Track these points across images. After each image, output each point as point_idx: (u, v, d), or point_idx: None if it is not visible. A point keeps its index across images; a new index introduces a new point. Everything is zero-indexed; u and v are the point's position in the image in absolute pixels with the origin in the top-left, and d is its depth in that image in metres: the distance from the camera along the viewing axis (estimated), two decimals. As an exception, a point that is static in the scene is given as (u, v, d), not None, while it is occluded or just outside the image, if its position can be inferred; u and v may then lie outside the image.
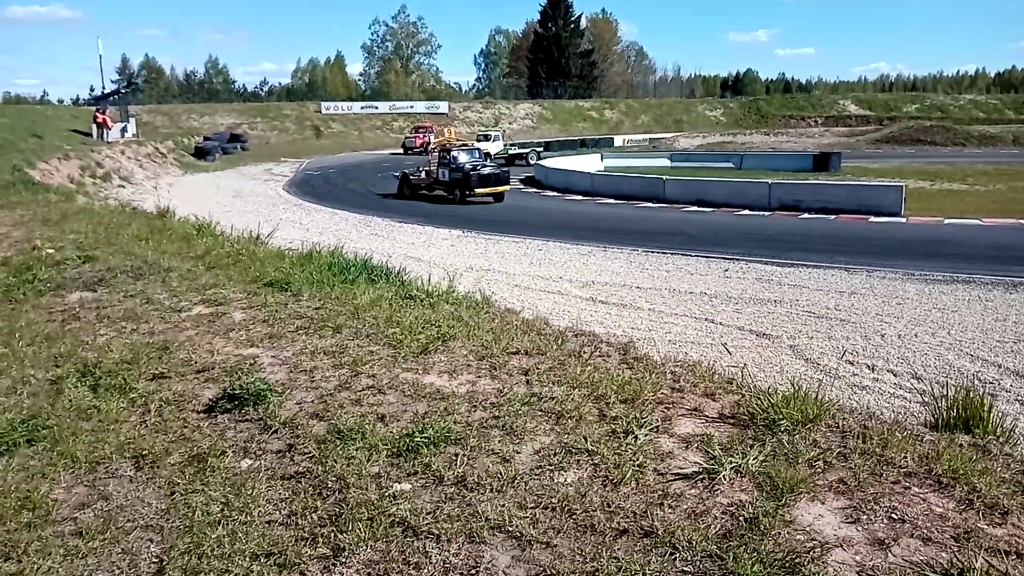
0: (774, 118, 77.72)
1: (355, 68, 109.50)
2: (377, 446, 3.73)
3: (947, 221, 18.83)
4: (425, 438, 3.74)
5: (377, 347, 5.22)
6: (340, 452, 3.70)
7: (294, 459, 3.75)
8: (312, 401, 4.39)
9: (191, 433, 4.09)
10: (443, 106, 73.37)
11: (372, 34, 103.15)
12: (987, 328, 9.02)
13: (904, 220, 19.44)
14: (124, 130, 40.48)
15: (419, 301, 6.54)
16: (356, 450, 3.70)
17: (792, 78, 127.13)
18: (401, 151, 49.95)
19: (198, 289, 7.01)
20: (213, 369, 4.97)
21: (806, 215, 21.00)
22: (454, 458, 3.60)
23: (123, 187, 29.22)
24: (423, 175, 26.76)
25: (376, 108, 70.04)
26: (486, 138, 43.95)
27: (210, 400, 4.50)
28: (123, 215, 13.40)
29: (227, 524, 3.19)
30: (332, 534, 3.07)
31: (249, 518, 3.23)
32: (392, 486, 3.39)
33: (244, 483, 3.51)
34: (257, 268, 7.85)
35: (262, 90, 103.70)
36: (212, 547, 3.03)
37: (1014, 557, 2.76)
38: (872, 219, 19.52)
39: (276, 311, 6.16)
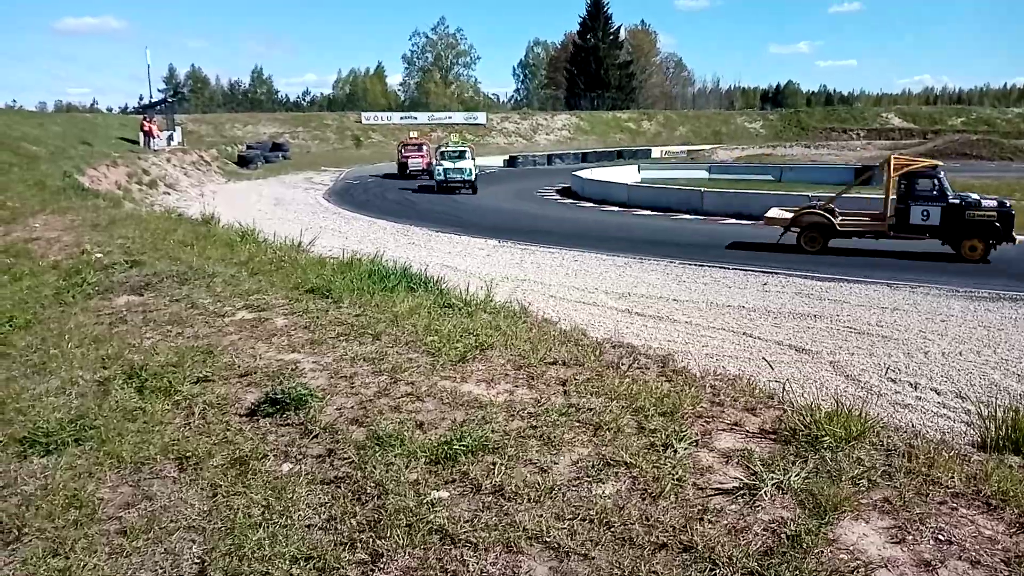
0: (815, 131, 76.61)
1: (395, 79, 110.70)
2: (415, 453, 3.76)
3: (994, 237, 18.33)
4: (463, 446, 3.76)
5: (416, 355, 5.26)
6: (379, 458, 3.73)
7: (334, 464, 3.79)
8: (352, 407, 4.43)
9: (233, 436, 4.16)
10: (481, 117, 73.69)
11: (412, 45, 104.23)
12: (1036, 347, 8.77)
13: (949, 235, 18.95)
14: (170, 138, 41.35)
15: (457, 310, 6.58)
16: (395, 456, 3.74)
17: (834, 90, 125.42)
18: (397, 172, 39.97)
19: (241, 295, 7.14)
20: (255, 373, 5.05)
21: (848, 229, 20.58)
22: (492, 467, 3.61)
23: (168, 194, 29.85)
24: (863, 218, 17.12)
25: (415, 118, 70.54)
26: (444, 155, 33.27)
27: (252, 404, 4.57)
28: (169, 221, 13.69)
29: (267, 527, 3.23)
30: (371, 540, 3.10)
31: (289, 521, 3.27)
32: (430, 493, 3.41)
33: (285, 487, 3.56)
34: (299, 275, 7.97)
35: (304, 100, 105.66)
36: (253, 549, 3.07)
37: (1067, 583, 2.68)
38: (916, 234, 19.07)
39: (317, 317, 6.24)
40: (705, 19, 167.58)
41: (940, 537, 2.99)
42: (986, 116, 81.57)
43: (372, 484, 3.52)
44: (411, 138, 44.89)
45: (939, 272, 14.06)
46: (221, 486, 3.62)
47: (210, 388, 4.83)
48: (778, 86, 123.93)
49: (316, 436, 4.09)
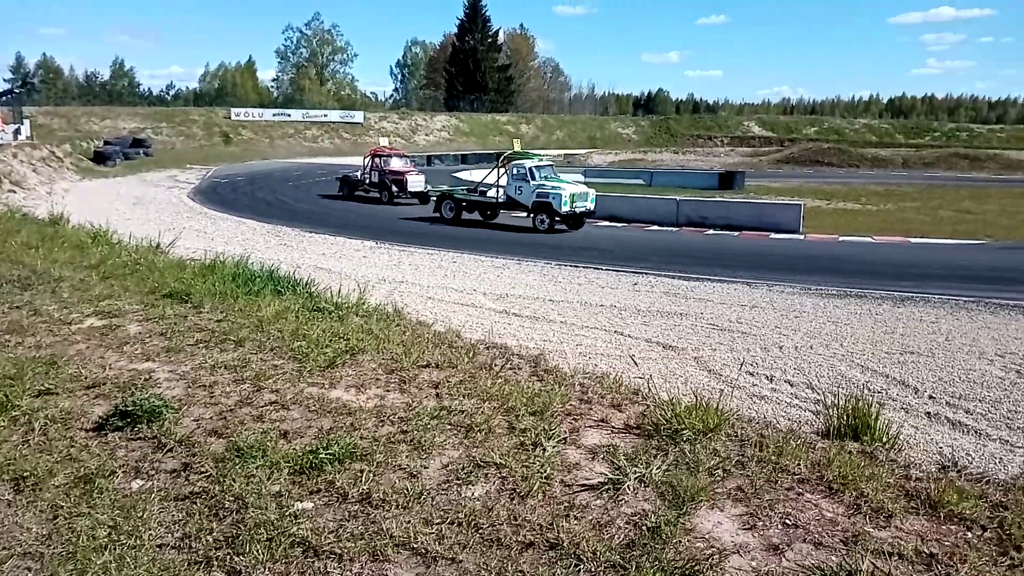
0: (683, 137, 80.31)
1: (267, 74, 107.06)
2: (279, 463, 3.63)
3: (842, 238, 19.86)
4: (329, 455, 3.66)
5: (282, 361, 5.09)
6: (239, 470, 3.57)
7: (189, 479, 3.60)
8: (211, 418, 4.23)
9: (78, 453, 3.87)
10: (358, 115, 72.48)
11: (285, 40, 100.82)
12: (876, 340, 9.50)
13: (802, 237, 20.36)
14: (17, 132, 38.21)
15: (327, 313, 6.42)
16: (256, 468, 3.59)
17: (700, 99, 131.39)
18: (344, 192, 29.60)
19: (91, 300, 6.67)
20: (104, 385, 4.73)
21: (712, 231, 21.70)
22: (359, 475, 3.53)
23: (14, 192, 27.52)
24: None
25: (289, 116, 68.49)
26: (534, 172, 21.14)
27: (100, 418, 4.28)
28: (12, 222, 12.65)
29: (115, 549, 3.02)
30: (228, 557, 2.96)
31: (139, 542, 3.07)
32: (293, 505, 3.30)
33: (134, 505, 3.34)
34: (156, 279, 7.55)
35: (168, 94, 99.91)
36: (97, 574, 2.86)
37: (897, 559, 2.91)
38: (773, 236, 20.35)
39: (175, 324, 5.93)
40: (581, 26, 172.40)
41: (787, 522, 3.18)
42: (836, 126, 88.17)
43: (231, 498, 3.36)
44: (385, 147, 32.13)
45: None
46: (63, 507, 3.35)
47: (53, 402, 4.48)
48: (649, 93, 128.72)
49: (170, 450, 3.87)
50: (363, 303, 7.02)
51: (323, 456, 3.64)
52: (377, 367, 5.06)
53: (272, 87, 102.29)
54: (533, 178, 21.09)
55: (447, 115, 77.85)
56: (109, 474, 3.63)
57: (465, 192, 23.62)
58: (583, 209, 20.95)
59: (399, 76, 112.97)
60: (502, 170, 22.19)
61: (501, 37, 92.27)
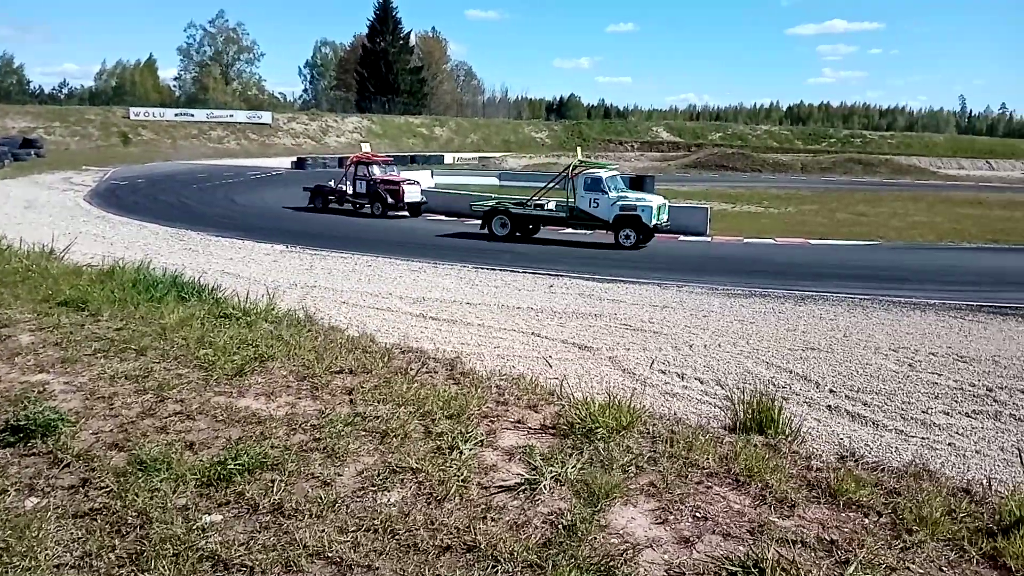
0: (595, 141, 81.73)
1: (169, 73, 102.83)
2: (184, 476, 3.50)
3: (746, 240, 20.66)
4: (239, 465, 3.55)
5: (186, 370, 4.91)
6: (142, 484, 3.42)
7: (89, 494, 3.42)
8: (111, 430, 4.03)
9: (-37, 472, 3.62)
10: (266, 116, 70.66)
11: (188, 37, 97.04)
12: (780, 337, 9.92)
13: (709, 239, 21.06)
14: None
15: (235, 320, 6.23)
16: (161, 481, 3.45)
17: (611, 104, 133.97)
18: (316, 203, 26.05)
19: (-24, 310, 6.26)
20: (-8, 399, 4.44)
21: (624, 233, 22.12)
22: (270, 485, 3.44)
23: None
24: None
25: (192, 116, 66.14)
26: (610, 184, 19.31)
27: (-12, 434, 4.02)
28: None
29: (7, 572, 2.85)
30: (132, 574, 2.83)
31: (34, 563, 2.91)
32: (201, 518, 3.19)
33: (29, 524, 3.16)
34: (49, 286, 7.16)
35: (61, 92, 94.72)
36: (-14, 600, 2.69)
37: (800, 546, 3.04)
38: (681, 238, 20.97)
39: (70, 333, 5.64)
40: (494, 30, 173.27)
41: (697, 514, 3.28)
42: (740, 132, 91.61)
43: (134, 513, 3.21)
44: (369, 153, 28.02)
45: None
46: (-54, 532, 3.13)
47: (-66, 419, 4.17)
48: (562, 99, 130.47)
49: (67, 465, 3.67)
50: (273, 308, 6.84)
51: (232, 467, 3.53)
52: (288, 374, 4.94)
53: (174, 86, 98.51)
54: (610, 189, 19.13)
55: (359, 116, 76.79)
56: (0, 493, 3.41)
57: (519, 206, 20.63)
58: (663, 222, 19.30)
59: (308, 77, 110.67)
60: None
61: (413, 39, 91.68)
